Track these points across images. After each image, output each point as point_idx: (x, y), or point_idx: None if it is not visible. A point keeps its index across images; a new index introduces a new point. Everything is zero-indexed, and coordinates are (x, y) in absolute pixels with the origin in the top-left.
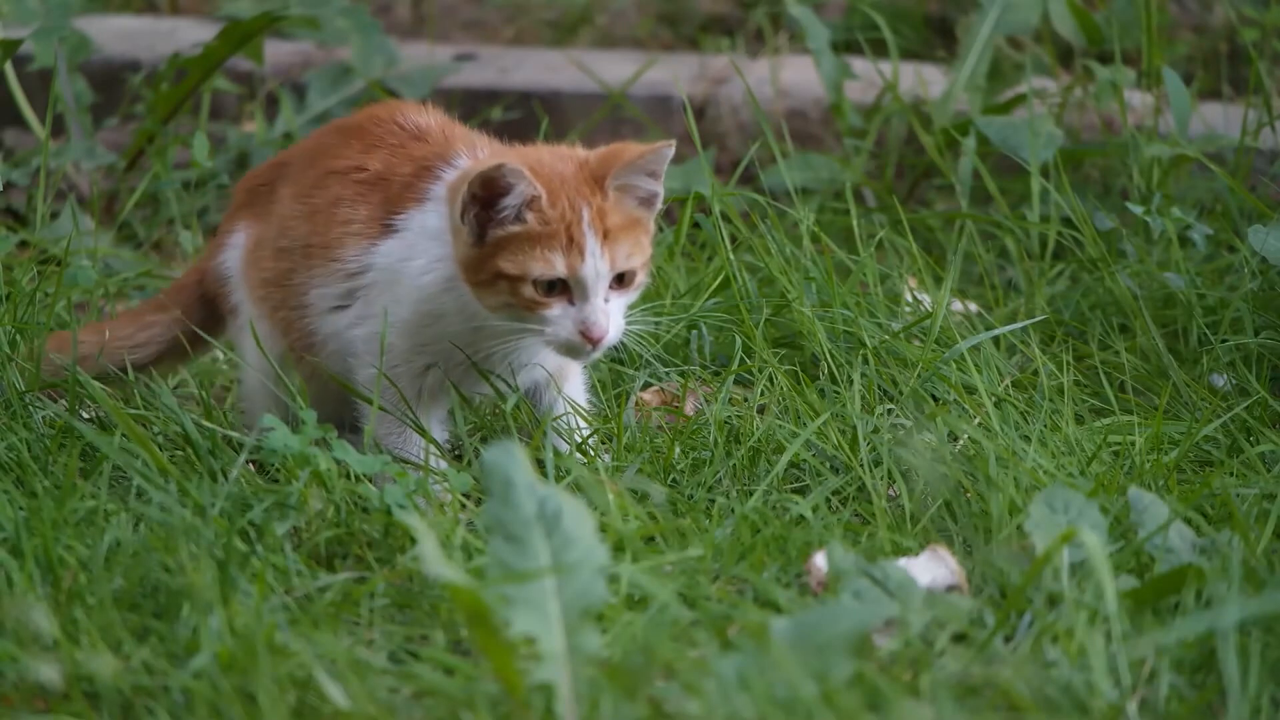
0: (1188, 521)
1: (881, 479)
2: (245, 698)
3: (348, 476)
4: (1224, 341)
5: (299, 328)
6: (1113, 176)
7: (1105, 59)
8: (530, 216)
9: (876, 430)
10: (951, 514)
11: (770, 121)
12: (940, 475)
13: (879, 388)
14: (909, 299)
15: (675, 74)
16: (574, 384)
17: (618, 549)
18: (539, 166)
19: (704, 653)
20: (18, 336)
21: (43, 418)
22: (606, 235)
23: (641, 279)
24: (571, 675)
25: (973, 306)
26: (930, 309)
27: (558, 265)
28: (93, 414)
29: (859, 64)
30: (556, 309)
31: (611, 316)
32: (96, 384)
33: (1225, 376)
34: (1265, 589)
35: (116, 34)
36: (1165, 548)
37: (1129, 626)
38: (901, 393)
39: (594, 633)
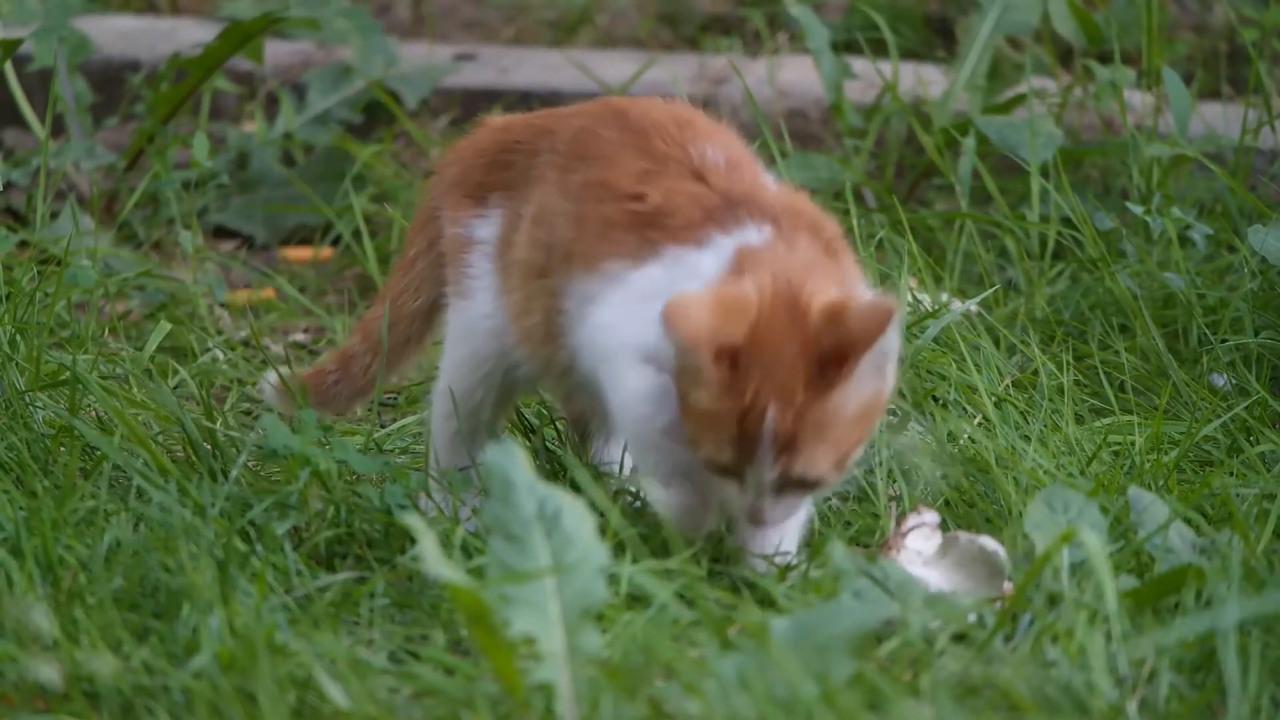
0: (1188, 521)
1: (883, 479)
2: (245, 698)
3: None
4: (1224, 341)
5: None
6: (1113, 176)
7: (1105, 59)
8: (702, 396)
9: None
10: (954, 513)
11: (770, 121)
12: (942, 474)
13: None
14: (909, 299)
15: (675, 74)
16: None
17: (618, 549)
18: (751, 338)
19: (704, 653)
20: (18, 336)
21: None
22: (792, 441)
23: (836, 481)
24: (571, 675)
25: (972, 305)
26: (930, 308)
27: (725, 454)
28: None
29: (859, 64)
30: (728, 484)
31: (786, 516)
32: (96, 381)
33: (1225, 376)
34: (1265, 589)
35: (116, 34)
36: (1165, 548)
37: (1129, 626)
38: (903, 393)
39: (594, 633)
